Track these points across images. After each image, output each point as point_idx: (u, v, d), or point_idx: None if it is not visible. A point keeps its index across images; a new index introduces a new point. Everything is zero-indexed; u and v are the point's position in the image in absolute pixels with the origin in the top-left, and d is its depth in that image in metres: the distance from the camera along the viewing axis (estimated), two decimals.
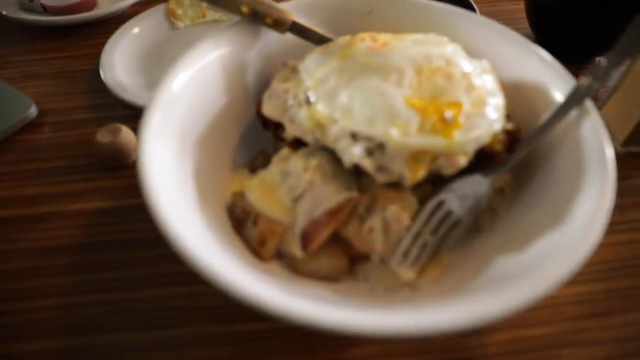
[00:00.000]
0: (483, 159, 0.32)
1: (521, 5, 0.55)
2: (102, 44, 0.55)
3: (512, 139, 0.33)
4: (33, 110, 0.47)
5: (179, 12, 0.56)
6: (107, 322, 0.34)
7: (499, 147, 0.32)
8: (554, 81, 0.35)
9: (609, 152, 0.30)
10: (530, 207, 0.33)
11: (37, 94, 0.49)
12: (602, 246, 0.37)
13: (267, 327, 0.34)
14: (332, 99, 0.32)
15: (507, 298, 0.25)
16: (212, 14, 0.57)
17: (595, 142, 0.31)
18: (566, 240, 0.27)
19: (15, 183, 0.43)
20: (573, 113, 0.33)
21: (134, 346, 0.33)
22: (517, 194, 0.35)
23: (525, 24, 0.55)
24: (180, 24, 0.56)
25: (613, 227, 0.38)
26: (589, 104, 0.33)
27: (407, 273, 0.32)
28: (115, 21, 0.58)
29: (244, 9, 0.37)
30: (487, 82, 0.33)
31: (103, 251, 0.38)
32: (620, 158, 0.28)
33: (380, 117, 0.30)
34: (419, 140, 0.29)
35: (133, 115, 0.47)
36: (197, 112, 0.36)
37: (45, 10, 0.57)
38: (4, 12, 0.57)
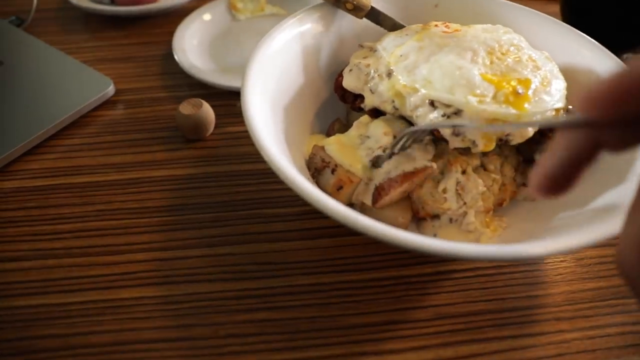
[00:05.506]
0: (544, 135, 0.36)
1: (556, 8, 0.60)
2: (165, 34, 0.59)
3: None
4: (111, 88, 0.51)
5: (240, 5, 0.60)
6: (196, 274, 0.38)
7: None
8: (605, 66, 0.39)
9: None
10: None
11: (113, 75, 0.53)
12: None
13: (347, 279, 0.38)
14: (413, 72, 0.36)
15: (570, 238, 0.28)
16: (270, 7, 0.62)
17: None
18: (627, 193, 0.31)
19: (100, 152, 0.46)
20: None
21: (227, 295, 0.37)
22: None
23: None
24: (241, 16, 0.60)
25: None
26: None
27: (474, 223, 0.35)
28: (176, 14, 0.62)
29: None
30: (550, 66, 0.37)
31: (186, 212, 0.42)
32: None
33: (459, 86, 0.34)
34: (493, 108, 0.33)
35: (205, 94, 0.51)
36: (282, 83, 0.40)
37: (113, 1, 0.61)
38: (74, 2, 0.61)
